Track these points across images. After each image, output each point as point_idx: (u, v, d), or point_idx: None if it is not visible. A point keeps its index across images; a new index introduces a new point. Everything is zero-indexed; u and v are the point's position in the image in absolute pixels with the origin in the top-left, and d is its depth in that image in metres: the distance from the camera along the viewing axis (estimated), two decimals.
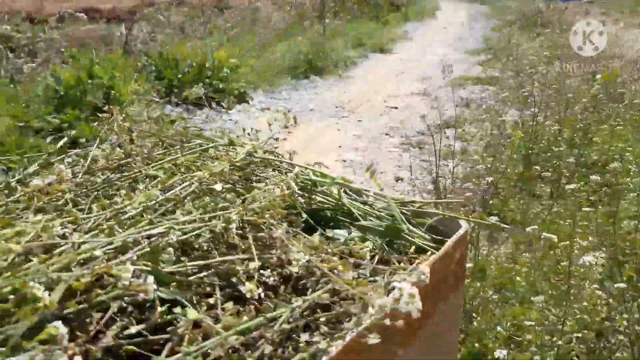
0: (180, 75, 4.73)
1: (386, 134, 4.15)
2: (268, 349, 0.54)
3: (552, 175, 2.10)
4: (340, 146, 3.83)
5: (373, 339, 0.55)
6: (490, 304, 1.57)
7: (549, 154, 2.42)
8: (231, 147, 1.00)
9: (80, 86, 3.59)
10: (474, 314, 1.51)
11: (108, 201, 0.72)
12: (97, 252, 0.56)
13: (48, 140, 3.26)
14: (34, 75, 4.61)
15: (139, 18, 7.69)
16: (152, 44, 6.61)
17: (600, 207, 1.75)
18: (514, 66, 4.63)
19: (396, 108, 5.09)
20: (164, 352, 0.55)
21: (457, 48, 9.18)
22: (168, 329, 0.60)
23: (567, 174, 2.01)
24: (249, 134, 1.11)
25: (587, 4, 12.07)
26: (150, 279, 0.55)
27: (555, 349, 1.29)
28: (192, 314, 0.55)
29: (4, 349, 0.48)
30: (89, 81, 3.64)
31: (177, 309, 0.61)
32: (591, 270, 1.39)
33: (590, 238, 1.62)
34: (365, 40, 8.57)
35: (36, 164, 0.89)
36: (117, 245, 0.60)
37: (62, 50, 5.81)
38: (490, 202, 2.12)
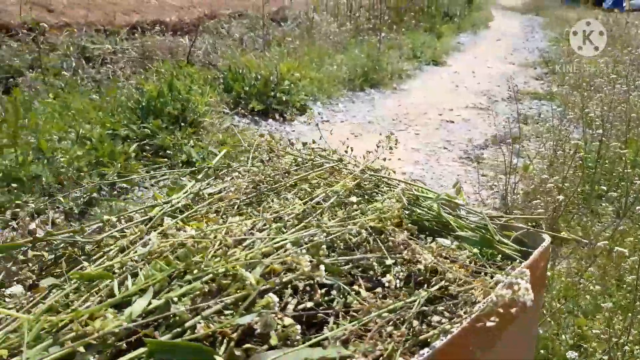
0: (247, 88, 5.02)
1: (444, 148, 4.27)
2: (415, 322, 0.71)
3: (618, 195, 2.18)
4: (399, 159, 3.98)
5: (491, 322, 0.72)
6: (556, 313, 1.69)
7: (613, 174, 2.49)
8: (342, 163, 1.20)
9: (161, 98, 3.91)
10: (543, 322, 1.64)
11: (268, 206, 0.92)
12: (288, 245, 0.76)
13: (133, 147, 3.56)
14: (109, 84, 5.01)
15: (202, 30, 8.09)
16: (214, 56, 6.98)
17: None
18: (574, 82, 4.65)
19: (452, 122, 5.19)
20: (330, 323, 0.74)
21: (512, 61, 9.14)
22: (320, 308, 0.79)
23: (634, 195, 2.09)
24: (346, 150, 1.31)
25: None
26: (322, 267, 0.74)
27: (620, 355, 1.40)
28: (363, 293, 0.73)
29: (231, 311, 0.69)
30: (169, 93, 3.96)
31: (333, 292, 0.80)
32: None
33: None
34: (419, 53, 8.69)
35: (204, 174, 1.09)
36: (289, 241, 0.79)
37: (133, 60, 6.25)
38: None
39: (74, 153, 3.14)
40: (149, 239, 0.77)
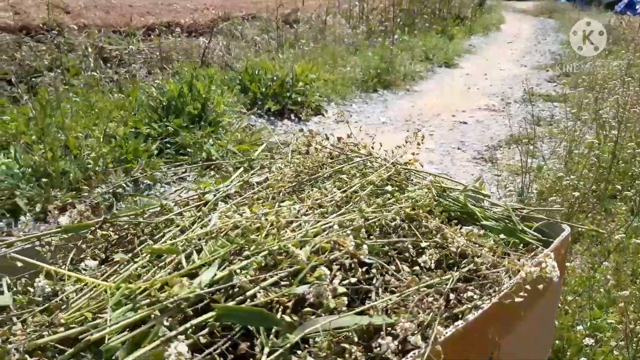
0: (263, 89, 5.11)
1: (458, 149, 4.33)
2: (452, 295, 0.79)
3: (632, 194, 2.23)
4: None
5: (519, 298, 0.79)
6: (570, 304, 1.75)
7: (628, 174, 2.54)
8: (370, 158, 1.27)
9: (181, 98, 4.01)
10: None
11: (308, 195, 1.00)
12: (335, 226, 0.84)
13: (155, 145, 3.66)
14: (126, 84, 5.13)
15: (216, 32, 8.19)
16: (228, 57, 7.08)
17: None
18: (587, 84, 4.69)
19: (465, 123, 5.25)
20: (373, 297, 0.82)
21: (524, 63, 9.17)
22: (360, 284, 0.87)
23: None
24: (372, 146, 1.39)
25: None
26: (365, 247, 0.82)
27: (635, 342, 1.46)
28: (405, 268, 0.81)
29: (286, 283, 0.76)
30: (189, 93, 4.06)
31: (373, 271, 0.88)
32: None
33: None
34: (431, 55, 8.75)
35: (242, 167, 1.18)
36: (335, 223, 0.87)
37: (148, 61, 6.39)
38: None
39: (100, 150, 3.24)
40: (209, 220, 0.86)
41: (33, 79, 5.02)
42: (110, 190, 3.09)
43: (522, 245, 1.16)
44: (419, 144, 1.26)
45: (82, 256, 0.92)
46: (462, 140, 4.56)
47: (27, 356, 0.69)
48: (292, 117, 5.10)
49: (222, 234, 0.82)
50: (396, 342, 0.66)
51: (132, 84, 5.06)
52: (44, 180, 2.89)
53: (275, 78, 5.26)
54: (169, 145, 3.76)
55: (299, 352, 0.68)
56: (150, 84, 4.77)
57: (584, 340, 1.47)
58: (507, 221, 1.17)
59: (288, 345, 0.65)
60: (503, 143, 4.38)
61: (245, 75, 5.26)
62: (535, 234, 1.15)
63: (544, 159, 3.03)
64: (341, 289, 0.72)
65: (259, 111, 4.97)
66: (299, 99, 5.21)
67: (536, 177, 3.05)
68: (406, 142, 1.24)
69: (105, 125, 3.62)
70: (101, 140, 3.41)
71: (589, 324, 1.71)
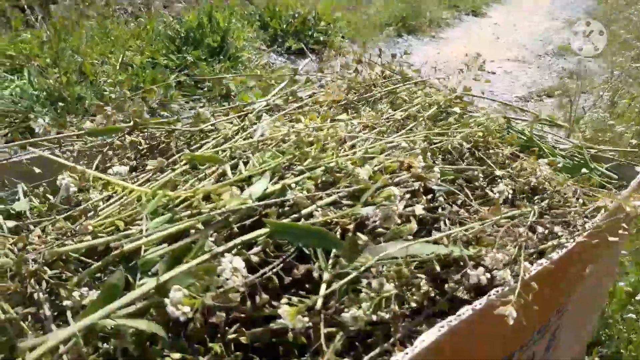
0: (284, 26, 4.88)
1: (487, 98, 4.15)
2: (540, 229, 0.68)
3: None
4: None
5: (613, 237, 0.68)
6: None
7: None
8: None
9: (200, 29, 3.82)
10: None
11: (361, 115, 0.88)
12: (403, 144, 0.72)
13: (173, 77, 3.51)
14: (141, 16, 4.91)
15: None
16: None
17: None
18: (626, 39, 4.42)
19: (494, 73, 5.01)
20: (442, 227, 0.71)
21: (555, 17, 8.73)
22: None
23: None
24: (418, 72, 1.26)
25: None
26: (437, 169, 0.71)
27: None
28: (490, 194, 0.70)
29: (348, 202, 0.66)
30: (209, 24, 3.86)
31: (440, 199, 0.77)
32: None
33: None
34: (458, 2, 8.35)
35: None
36: (402, 140, 0.75)
37: None
38: None
39: (116, 77, 3.11)
40: (254, 130, 0.74)
41: (46, 7, 4.81)
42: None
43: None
44: (479, 67, 1.12)
45: (108, 165, 0.82)
46: (491, 90, 4.36)
47: (46, 268, 0.60)
48: (314, 57, 4.89)
49: (270, 146, 0.71)
50: (488, 275, 0.55)
51: (148, 15, 4.85)
52: (59, 104, 2.78)
53: (297, 15, 5.02)
54: (186, 78, 3.61)
55: (363, 280, 0.58)
56: (168, 14, 4.56)
57: (637, 297, 1.38)
58: (576, 159, 1.05)
59: (362, 268, 0.54)
60: (534, 94, 4.18)
61: (266, 10, 5.01)
62: (609, 173, 1.02)
63: (584, 110, 2.86)
64: (418, 209, 0.61)
65: (279, 49, 4.76)
66: (321, 39, 4.98)
67: (572, 130, 2.89)
68: (466, 66, 1.11)
69: (121, 53, 3.46)
70: (117, 67, 3.27)
71: (631, 281, 1.62)
